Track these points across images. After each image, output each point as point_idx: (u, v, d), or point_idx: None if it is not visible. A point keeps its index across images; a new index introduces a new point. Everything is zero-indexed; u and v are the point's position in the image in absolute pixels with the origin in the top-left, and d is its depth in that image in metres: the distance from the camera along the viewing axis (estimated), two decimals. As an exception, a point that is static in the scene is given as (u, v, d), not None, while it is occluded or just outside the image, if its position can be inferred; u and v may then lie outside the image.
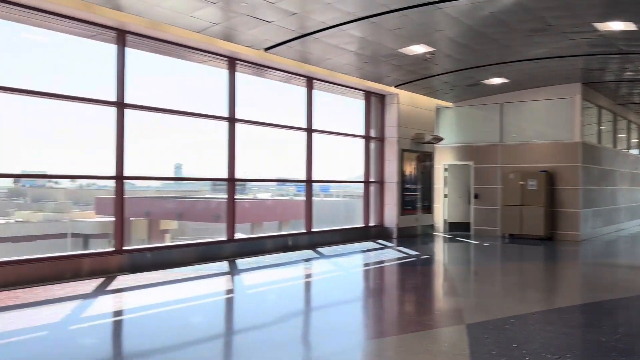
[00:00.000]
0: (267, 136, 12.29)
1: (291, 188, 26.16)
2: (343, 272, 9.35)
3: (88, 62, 9.46)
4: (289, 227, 18.01)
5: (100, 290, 7.10)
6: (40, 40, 8.78)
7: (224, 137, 10.25)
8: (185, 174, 16.33)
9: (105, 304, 6.62)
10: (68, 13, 7.77)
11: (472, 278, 9.39)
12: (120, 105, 8.47)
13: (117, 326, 5.82)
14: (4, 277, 7.13)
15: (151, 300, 6.81)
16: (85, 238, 25.79)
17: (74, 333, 5.34)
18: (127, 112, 8.57)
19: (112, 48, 8.52)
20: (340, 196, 25.66)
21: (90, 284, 7.38)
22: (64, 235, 24.99)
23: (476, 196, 15.32)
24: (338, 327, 5.73)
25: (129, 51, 8.61)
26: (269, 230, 17.45)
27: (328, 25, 8.94)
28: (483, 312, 6.39)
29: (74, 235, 25.17)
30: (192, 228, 28.46)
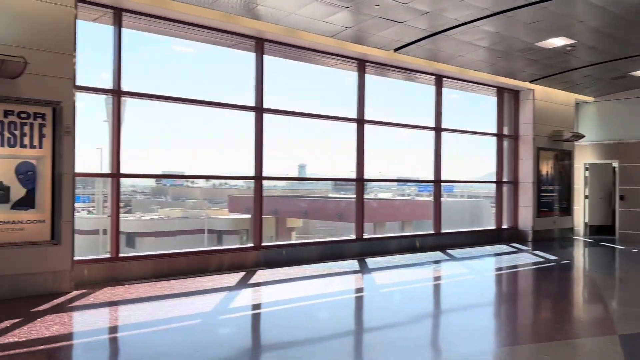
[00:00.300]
0: (388, 135, 12.29)
1: (412, 188, 25.84)
2: (476, 275, 9.09)
3: (229, 69, 10.14)
4: (412, 228, 17.85)
5: (243, 284, 7.57)
6: (188, 51, 9.57)
7: (351, 137, 10.43)
8: (308, 174, 16.83)
9: (249, 297, 7.04)
10: (213, 25, 8.36)
11: (620, 286, 8.67)
12: (259, 109, 8.97)
13: (260, 318, 6.17)
14: (159, 268, 7.86)
15: (290, 294, 7.14)
16: (219, 234, 27.50)
17: (223, 322, 5.76)
18: (265, 116, 9.04)
19: (251, 56, 9.03)
20: (465, 196, 24.88)
21: (233, 277, 7.89)
22: (201, 231, 26.84)
23: (622, 197, 14.10)
24: (471, 331, 5.58)
25: (265, 58, 9.07)
26: (391, 230, 17.43)
27: (460, 22, 8.74)
28: (637, 322, 5.89)
29: (210, 231, 26.97)
30: (316, 226, 29.22)
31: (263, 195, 9.13)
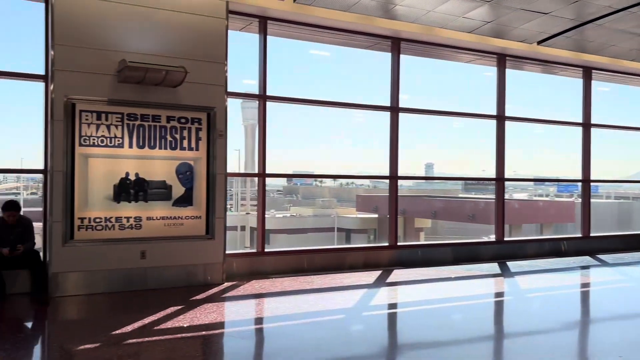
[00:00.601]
0: (522, 132, 11.71)
1: (551, 188, 24.27)
2: (632, 283, 8.31)
3: (364, 70, 10.30)
4: (551, 231, 16.80)
5: (381, 282, 7.64)
6: (324, 55, 9.86)
7: (483, 135, 10.12)
8: (436, 173, 16.49)
9: (389, 295, 7.12)
10: (349, 27, 8.51)
11: None
12: (395, 109, 8.98)
13: (401, 317, 6.19)
14: (300, 263, 8.19)
15: (429, 295, 7.07)
16: (348, 232, 27.96)
17: (365, 319, 5.88)
18: (401, 116, 9.04)
19: (387, 56, 9.07)
20: (611, 197, 22.86)
21: (370, 275, 7.98)
22: (331, 229, 27.46)
23: None
24: (627, 343, 5.12)
25: (401, 57, 9.07)
26: (528, 233, 16.55)
27: (614, 9, 8.07)
28: None
29: (339, 229, 27.50)
30: (444, 227, 28.60)
31: (398, 195, 9.12)
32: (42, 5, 6.60)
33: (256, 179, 8.05)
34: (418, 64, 10.05)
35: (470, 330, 5.53)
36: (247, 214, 25.97)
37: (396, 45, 8.97)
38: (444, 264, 9.03)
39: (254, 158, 8.69)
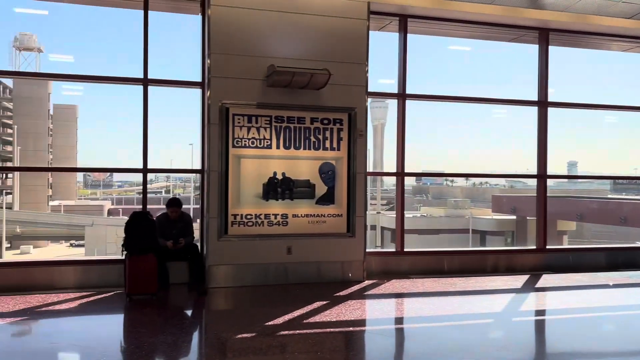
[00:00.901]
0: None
1: None
2: None
3: (507, 63, 9.84)
4: None
5: (529, 287, 7.26)
6: (465, 50, 9.57)
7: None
8: (579, 172, 15.23)
9: (538, 301, 6.78)
10: (492, 20, 8.19)
11: None
12: (543, 104, 8.48)
13: (551, 324, 5.80)
14: (439, 264, 8.05)
15: (583, 302, 6.58)
16: (482, 234, 26.92)
17: (517, 325, 5.60)
18: (550, 111, 8.52)
19: (533, 48, 8.58)
20: None
21: (517, 279, 7.59)
22: (465, 231, 26.62)
23: None
24: None
25: (550, 49, 8.54)
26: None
27: None
28: None
29: (473, 231, 26.58)
30: (591, 230, 26.39)
31: (547, 195, 8.59)
32: (199, 17, 7.15)
33: (391, 178, 8.03)
34: (562, 54, 9.39)
35: (631, 343, 5.05)
36: (377, 213, 26.04)
37: (544, 36, 8.45)
38: (597, 270, 8.36)
39: (383, 157, 8.67)
